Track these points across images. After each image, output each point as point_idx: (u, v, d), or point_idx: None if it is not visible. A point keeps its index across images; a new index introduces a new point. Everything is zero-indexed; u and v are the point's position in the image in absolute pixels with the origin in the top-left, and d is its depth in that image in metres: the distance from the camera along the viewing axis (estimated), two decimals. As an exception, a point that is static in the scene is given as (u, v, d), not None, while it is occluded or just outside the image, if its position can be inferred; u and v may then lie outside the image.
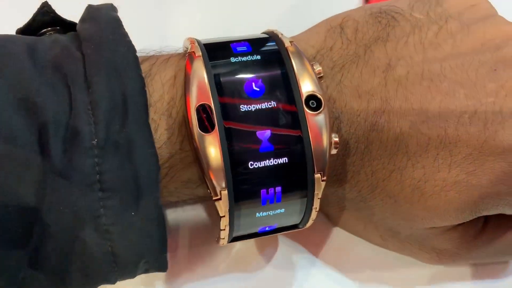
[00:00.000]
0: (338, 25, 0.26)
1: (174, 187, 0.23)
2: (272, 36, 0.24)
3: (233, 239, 0.23)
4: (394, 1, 0.27)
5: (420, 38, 0.24)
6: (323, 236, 0.29)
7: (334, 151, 0.22)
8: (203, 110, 0.21)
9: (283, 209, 0.22)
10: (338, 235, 0.29)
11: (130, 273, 0.22)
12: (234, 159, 0.21)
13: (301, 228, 0.24)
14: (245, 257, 0.28)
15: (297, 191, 0.22)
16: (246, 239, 0.24)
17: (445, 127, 0.23)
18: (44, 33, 0.25)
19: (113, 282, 0.22)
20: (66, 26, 0.25)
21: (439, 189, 0.23)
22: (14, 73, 0.20)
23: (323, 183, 0.22)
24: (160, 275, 0.27)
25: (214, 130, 0.21)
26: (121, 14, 0.24)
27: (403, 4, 0.26)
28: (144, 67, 0.23)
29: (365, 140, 0.24)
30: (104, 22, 0.23)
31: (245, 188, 0.21)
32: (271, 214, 0.22)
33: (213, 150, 0.20)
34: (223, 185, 0.21)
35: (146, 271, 0.23)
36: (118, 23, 0.23)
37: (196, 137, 0.20)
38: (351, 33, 0.25)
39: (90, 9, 0.24)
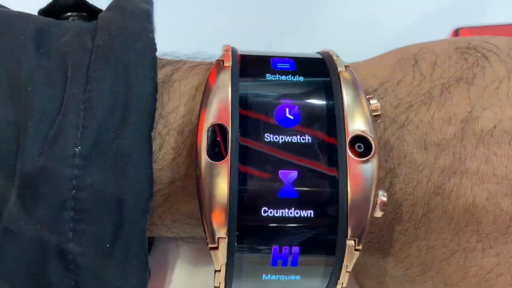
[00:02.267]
0: (412, 56, 0.21)
1: (171, 221, 0.19)
2: (325, 57, 0.19)
3: (234, 299, 0.19)
4: (489, 37, 0.21)
5: None
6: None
7: (379, 214, 0.17)
8: (218, 132, 0.16)
9: (299, 276, 0.17)
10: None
11: None
12: (244, 200, 0.16)
13: (322, 302, 0.19)
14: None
15: (321, 257, 0.17)
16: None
17: None
18: (68, 17, 0.22)
19: None
20: (93, 13, 0.22)
21: (516, 290, 0.17)
22: (10, 55, 0.18)
23: (357, 253, 0.17)
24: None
25: (225, 159, 0.16)
26: (162, 11, 0.21)
27: (500, 41, 0.20)
28: (164, 71, 0.19)
29: (425, 205, 0.18)
30: (129, 12, 0.20)
31: (253, 240, 0.16)
32: (282, 279, 0.17)
33: (219, 183, 0.16)
34: (224, 231, 0.16)
35: None
36: (145, 15, 0.20)
37: (201, 162, 0.16)
38: (426, 68, 0.20)
39: None
